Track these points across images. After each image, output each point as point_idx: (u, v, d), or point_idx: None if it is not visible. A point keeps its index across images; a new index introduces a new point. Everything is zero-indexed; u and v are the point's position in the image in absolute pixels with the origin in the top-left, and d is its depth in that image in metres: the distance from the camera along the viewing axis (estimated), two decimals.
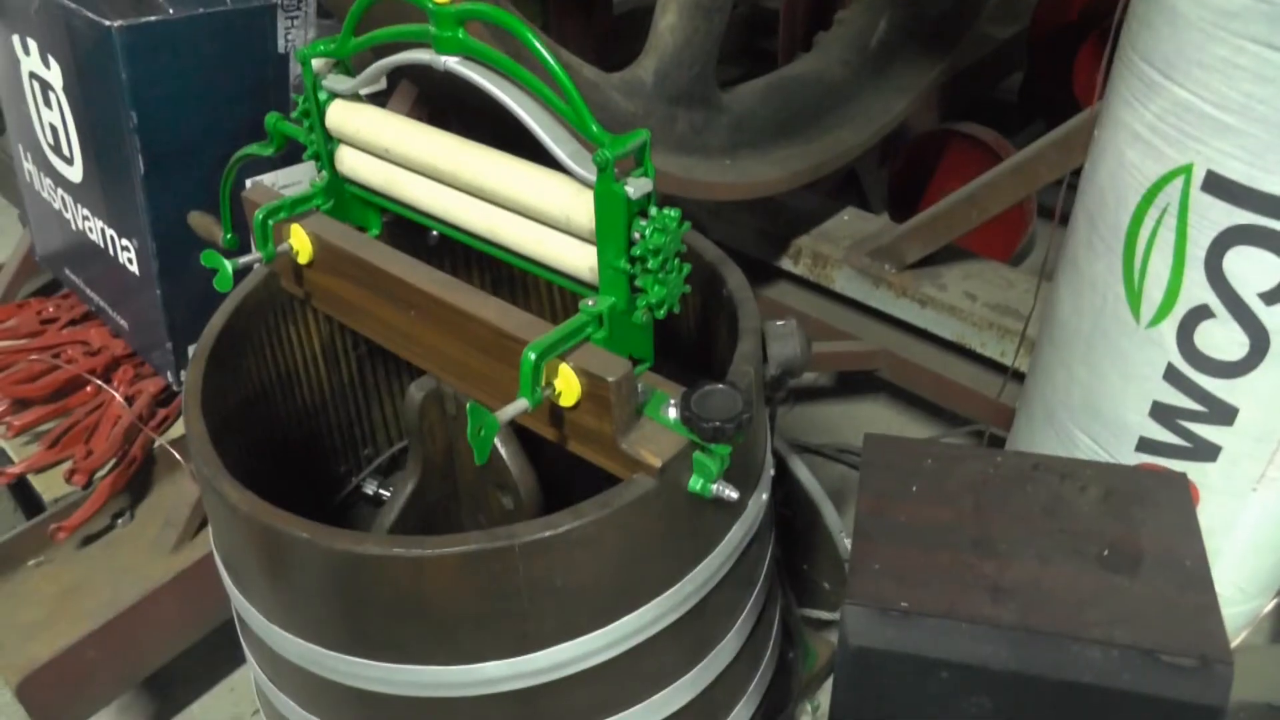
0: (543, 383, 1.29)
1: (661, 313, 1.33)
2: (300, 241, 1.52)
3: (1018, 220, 3.13)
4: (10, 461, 2.12)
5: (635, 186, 1.24)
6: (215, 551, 1.49)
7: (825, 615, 2.14)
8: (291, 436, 1.82)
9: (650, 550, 1.35)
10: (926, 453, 1.62)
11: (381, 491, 1.99)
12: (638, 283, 1.30)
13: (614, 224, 1.27)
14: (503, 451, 1.55)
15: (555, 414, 1.36)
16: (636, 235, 1.27)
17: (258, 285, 1.64)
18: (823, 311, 2.69)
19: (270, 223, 1.51)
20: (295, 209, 1.54)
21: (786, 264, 2.71)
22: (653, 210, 1.27)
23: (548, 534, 1.25)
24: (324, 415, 1.88)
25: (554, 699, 1.39)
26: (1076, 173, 2.06)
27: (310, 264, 1.55)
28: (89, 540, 2.08)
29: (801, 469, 1.96)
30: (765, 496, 1.57)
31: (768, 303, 2.73)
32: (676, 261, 1.31)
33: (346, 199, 1.60)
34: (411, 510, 1.67)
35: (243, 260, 1.48)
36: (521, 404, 1.27)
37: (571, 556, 1.28)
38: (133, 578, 2.01)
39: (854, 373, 2.74)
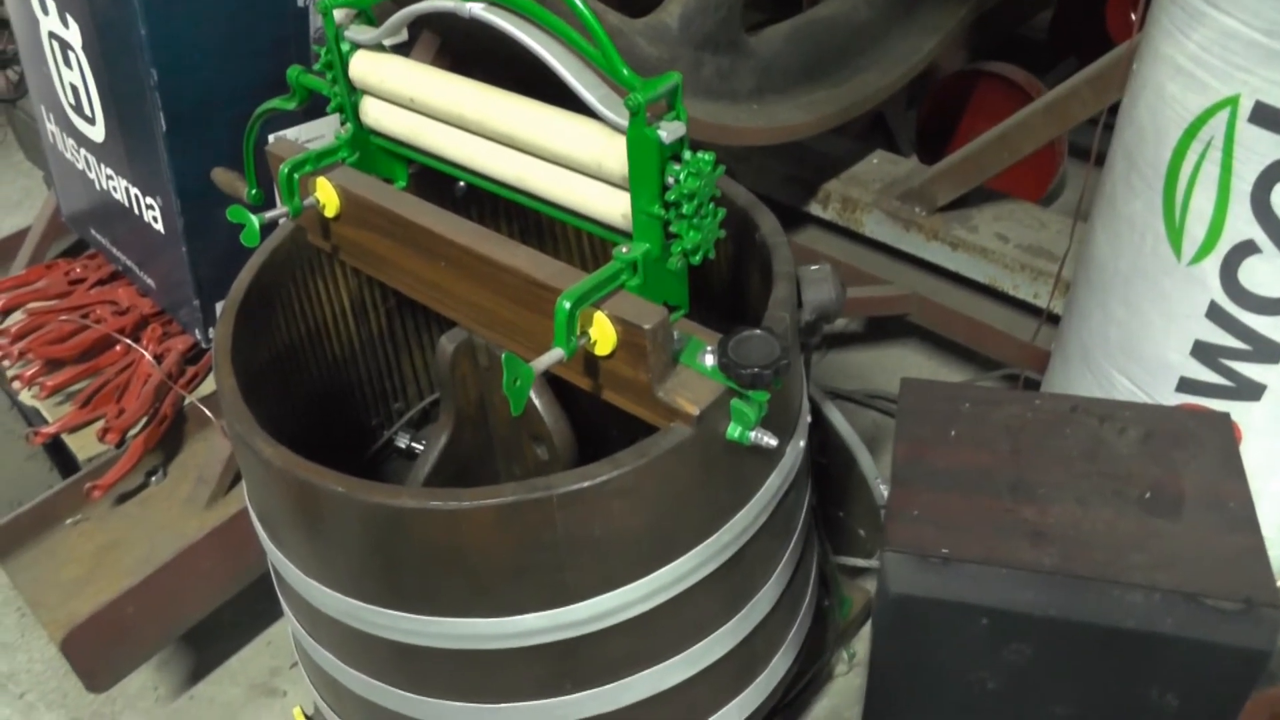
0: (577, 332, 1.28)
1: (697, 259, 1.31)
2: (327, 195, 1.50)
3: (1049, 160, 3.07)
4: (45, 422, 2.12)
5: (668, 130, 1.22)
6: (250, 507, 1.49)
7: (861, 562, 2.13)
8: (322, 391, 1.81)
9: (688, 500, 1.34)
10: (964, 396, 1.60)
11: (414, 445, 1.99)
12: (672, 228, 1.28)
13: (647, 169, 1.24)
14: (536, 402, 1.54)
15: (590, 363, 1.35)
16: (670, 180, 1.25)
17: (284, 240, 1.63)
18: (852, 256, 2.66)
19: (296, 176, 1.49)
20: (320, 162, 1.52)
21: (815, 209, 2.68)
22: (686, 154, 1.25)
23: (585, 484, 1.24)
24: (354, 369, 1.88)
25: (592, 650, 1.39)
26: (1112, 111, 2.02)
27: (337, 217, 1.53)
28: (124, 498, 2.10)
29: (836, 415, 1.95)
30: (802, 444, 1.56)
31: (797, 248, 2.69)
32: (711, 206, 1.28)
33: (372, 151, 1.58)
34: (445, 462, 1.67)
35: (269, 215, 1.46)
36: (557, 354, 1.26)
37: (609, 507, 1.27)
38: (168, 534, 2.03)
39: (884, 317, 2.71)
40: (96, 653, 1.89)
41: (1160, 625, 1.29)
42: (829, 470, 2.03)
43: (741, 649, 1.53)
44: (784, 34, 2.46)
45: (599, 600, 1.34)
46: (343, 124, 1.56)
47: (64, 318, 2.16)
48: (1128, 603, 1.31)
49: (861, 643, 2.16)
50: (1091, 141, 1.93)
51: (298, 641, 1.61)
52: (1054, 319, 2.17)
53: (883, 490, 2.00)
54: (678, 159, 1.25)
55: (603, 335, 1.29)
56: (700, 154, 1.25)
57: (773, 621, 1.58)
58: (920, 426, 1.55)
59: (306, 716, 1.80)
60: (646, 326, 1.25)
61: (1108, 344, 1.77)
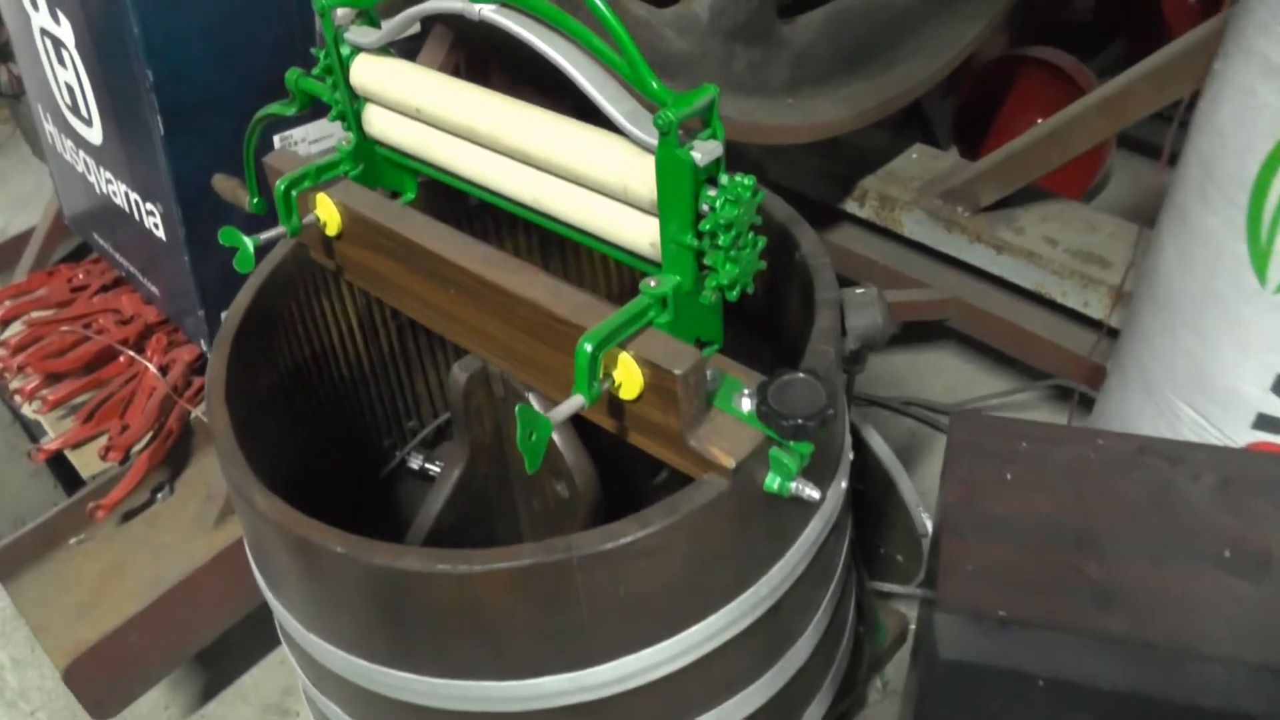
0: (600, 375, 1.13)
1: (734, 294, 1.16)
2: (327, 212, 1.36)
3: (1094, 154, 2.89)
4: (47, 437, 2.01)
5: (703, 151, 1.07)
6: (249, 553, 1.36)
7: (898, 589, 1.99)
8: (330, 414, 1.68)
9: (721, 555, 1.20)
10: (1020, 433, 1.44)
11: (428, 466, 1.85)
12: (706, 260, 1.13)
13: (679, 194, 1.10)
14: (556, 439, 1.40)
15: (615, 404, 1.20)
16: (705, 207, 1.10)
17: (285, 258, 1.49)
18: (890, 257, 2.50)
19: (294, 193, 1.35)
20: (320, 177, 1.37)
21: (851, 207, 2.51)
22: (723, 178, 1.09)
23: (609, 545, 1.10)
24: (364, 389, 1.74)
25: (617, 710, 1.25)
26: (1176, 105, 1.85)
27: (339, 236, 1.39)
28: (129, 516, 1.98)
29: (876, 439, 1.80)
30: (844, 484, 1.41)
31: (829, 248, 2.54)
32: (751, 236, 1.13)
33: (378, 162, 1.43)
34: (460, 495, 1.53)
35: (265, 236, 1.32)
36: (577, 401, 1.11)
37: (635, 567, 1.13)
38: (175, 555, 1.91)
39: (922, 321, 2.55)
40: (101, 681, 1.78)
41: (1245, 705, 1.14)
42: (866, 495, 1.88)
43: (775, 701, 1.40)
44: (819, 21, 2.28)
45: (623, 662, 1.20)
46: (345, 133, 1.41)
47: (65, 328, 2.03)
48: (1207, 678, 1.16)
49: (895, 669, 2.01)
50: (1150, 134, 1.75)
51: (305, 691, 1.49)
52: (1113, 333, 2.00)
53: (924, 518, 1.85)
54: (714, 183, 1.10)
55: (628, 378, 1.14)
56: (739, 177, 1.09)
57: (809, 671, 1.44)
58: (973, 466, 1.40)
59: None
60: (678, 372, 1.10)
61: (1173, 372, 1.61)
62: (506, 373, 1.40)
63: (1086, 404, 2.15)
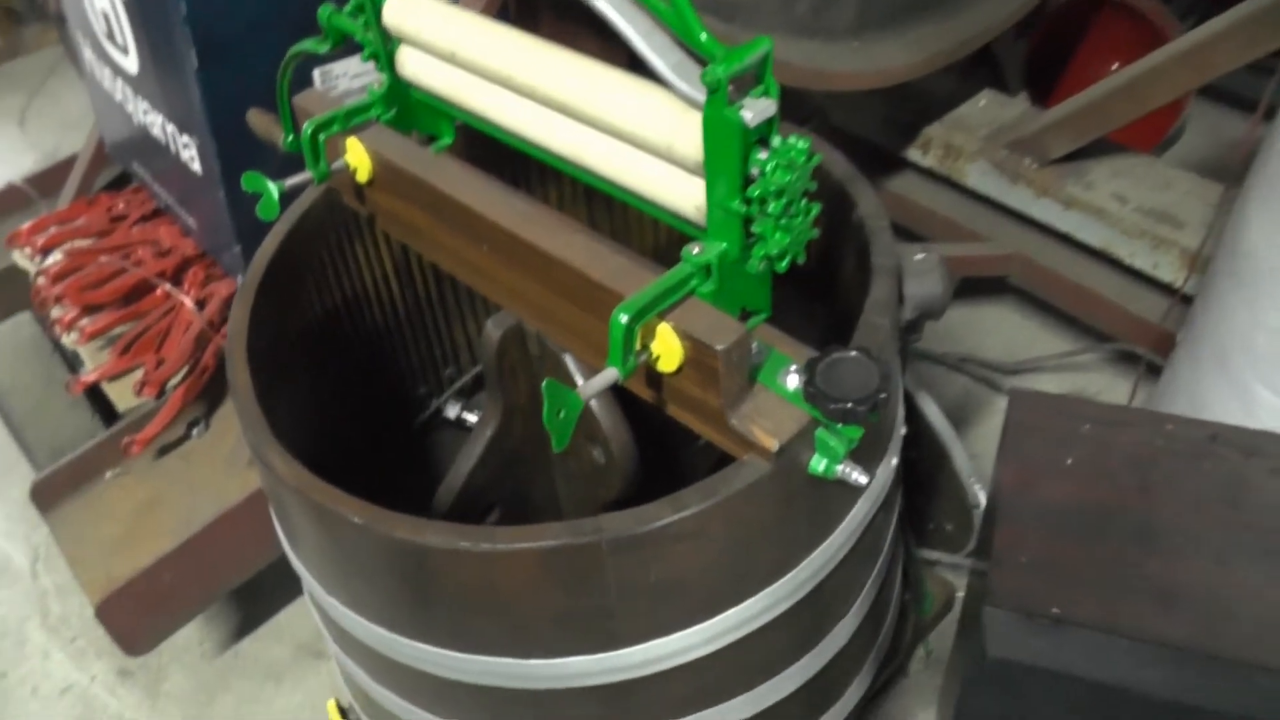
0: (637, 346, 1.05)
1: (783, 265, 1.06)
2: (358, 158, 1.27)
3: (1171, 104, 2.71)
4: (84, 368, 1.97)
5: (754, 110, 0.97)
6: (272, 512, 1.31)
7: (945, 558, 1.91)
8: (363, 361, 1.62)
9: (760, 539, 1.12)
10: (1083, 414, 1.35)
11: (465, 415, 1.79)
12: (754, 227, 1.04)
13: (726, 156, 1.00)
14: (593, 404, 1.32)
15: (652, 375, 1.12)
16: (755, 171, 1.00)
17: (316, 202, 1.42)
18: (951, 209, 2.37)
19: (322, 138, 1.26)
20: (350, 121, 1.28)
21: (914, 155, 2.38)
22: (775, 140, 0.99)
23: (641, 529, 1.03)
24: (399, 337, 1.67)
25: (646, 691, 1.19)
26: (1275, 56, 1.70)
27: (371, 182, 1.31)
28: (165, 450, 1.95)
29: (931, 407, 1.71)
30: (895, 461, 1.32)
31: (889, 197, 2.41)
32: (804, 203, 1.03)
33: (412, 105, 1.34)
34: (492, 456, 1.46)
35: (290, 182, 1.24)
36: (610, 375, 1.03)
37: (669, 551, 1.06)
38: (209, 492, 1.88)
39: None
40: (133, 618, 1.76)
41: None
42: (918, 464, 1.79)
43: (812, 683, 1.33)
44: None
45: (653, 645, 1.14)
46: (379, 74, 1.32)
47: (104, 259, 1.98)
48: (1274, 694, 1.07)
49: (939, 637, 1.94)
50: (1235, 82, 1.60)
51: (328, 642, 1.45)
52: (1185, 299, 1.88)
53: (977, 490, 1.76)
54: (765, 145, 1.00)
55: (667, 351, 1.05)
56: (794, 140, 0.99)
57: (849, 652, 1.37)
58: (1031, 448, 1.31)
59: (341, 709, 1.65)
60: (719, 347, 1.01)
61: (1253, 352, 1.49)
62: (542, 333, 1.32)
63: (1154, 371, 2.03)
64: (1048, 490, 1.26)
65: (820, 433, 1.07)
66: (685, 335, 1.04)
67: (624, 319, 1.01)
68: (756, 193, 1.00)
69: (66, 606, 2.09)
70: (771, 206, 1.00)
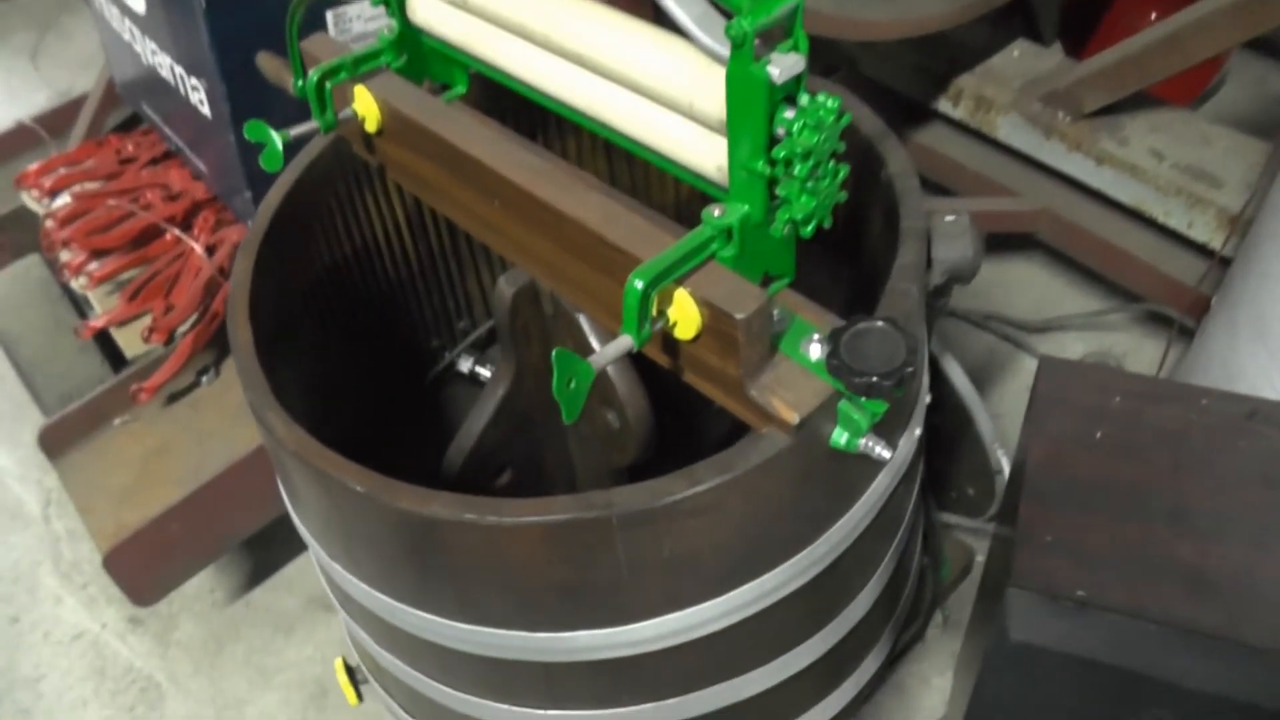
0: (653, 313, 0.99)
1: (809, 230, 1.00)
2: (366, 107, 1.21)
3: (1210, 59, 2.60)
4: (94, 312, 1.93)
5: (781, 67, 0.90)
6: (277, 473, 1.27)
7: (966, 523, 1.86)
8: (373, 314, 1.57)
9: (778, 514, 1.08)
10: (1114, 386, 1.28)
11: (479, 369, 1.74)
12: (779, 190, 0.98)
13: (751, 115, 0.93)
14: (607, 367, 1.27)
15: (669, 341, 1.07)
16: (780, 131, 0.93)
17: (324, 151, 1.36)
18: (980, 162, 2.28)
19: (328, 86, 1.20)
20: (359, 68, 1.22)
21: (944, 106, 2.29)
22: (803, 98, 0.93)
23: (653, 504, 0.98)
24: (411, 289, 1.62)
25: (657, 665, 1.16)
26: None
27: (380, 132, 1.25)
28: (174, 398, 1.91)
29: (957, 372, 1.65)
30: (919, 431, 1.27)
31: (917, 149, 2.33)
32: (831, 165, 0.97)
33: (424, 52, 1.28)
34: (504, 416, 1.42)
35: (295, 131, 1.18)
36: (624, 343, 0.98)
37: (682, 527, 1.02)
38: (218, 441, 1.85)
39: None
40: (141, 569, 1.74)
41: None
42: (941, 428, 1.74)
43: (830, 655, 1.29)
44: None
45: (664, 620, 1.10)
46: (389, 19, 1.25)
47: (112, 203, 1.93)
48: None
49: (957, 602, 1.90)
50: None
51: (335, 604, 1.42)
52: (1222, 261, 1.81)
53: (1000, 456, 1.71)
54: (792, 103, 0.93)
55: (684, 318, 1.00)
56: (822, 98, 0.93)
57: (867, 625, 1.33)
58: (1059, 421, 1.25)
59: (348, 668, 1.63)
60: (739, 316, 0.96)
61: None
62: (556, 292, 1.27)
63: (1185, 334, 1.96)
64: (1076, 466, 1.21)
65: (843, 405, 1.02)
66: (704, 302, 0.98)
67: (639, 285, 0.95)
68: (782, 154, 0.94)
69: (78, 552, 2.07)
70: (798, 169, 0.94)
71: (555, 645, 1.10)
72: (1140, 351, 2.29)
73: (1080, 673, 1.10)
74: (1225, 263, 1.80)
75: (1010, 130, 2.21)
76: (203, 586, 2.00)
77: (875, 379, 0.96)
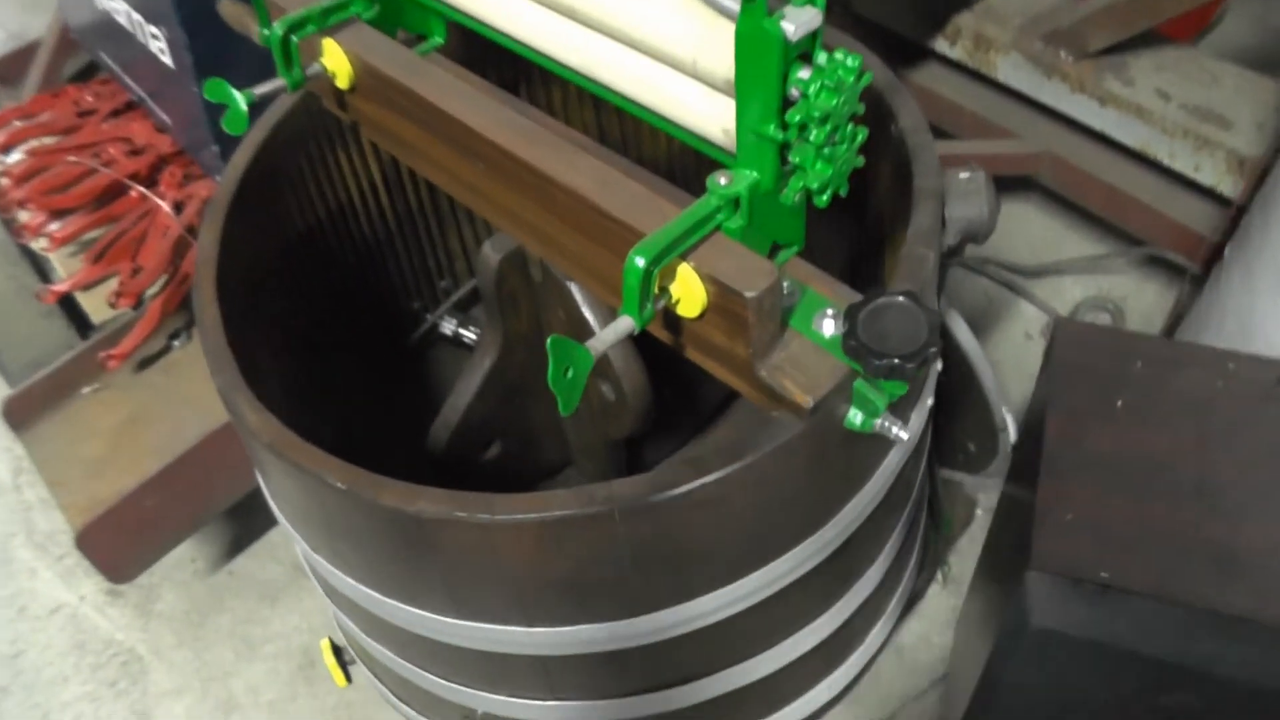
0: (654, 290, 0.91)
1: (824, 199, 0.91)
2: (336, 62, 1.11)
3: None
4: (57, 275, 1.83)
5: (796, 22, 0.81)
6: (252, 461, 1.18)
7: (967, 478, 1.80)
8: (351, 277, 1.48)
9: (788, 500, 1.01)
10: (1135, 351, 1.21)
11: (462, 331, 1.66)
12: (792, 156, 0.89)
13: (762, 75, 0.84)
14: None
15: (671, 317, 0.98)
16: (794, 92, 0.84)
17: (294, 108, 1.26)
18: (979, 103, 2.18)
19: (295, 39, 1.09)
20: (327, 20, 1.11)
21: (941, 46, 2.18)
22: (820, 56, 0.83)
23: (658, 497, 0.91)
24: (389, 249, 1.53)
25: (660, 656, 1.09)
26: None
27: (353, 89, 1.14)
28: (146, 363, 1.81)
29: (962, 328, 1.57)
30: (930, 401, 1.20)
31: (912, 90, 2.21)
32: (850, 128, 0.88)
33: (399, 1, 1.17)
34: (492, 388, 1.34)
35: (260, 90, 1.08)
36: (625, 324, 0.89)
37: (688, 519, 0.94)
38: (194, 407, 1.75)
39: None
40: (116, 545, 1.65)
41: None
42: (944, 385, 1.66)
43: (837, 634, 1.23)
44: None
45: (668, 613, 1.03)
46: None
47: (72, 159, 1.81)
48: None
49: (958, 557, 1.85)
50: None
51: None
52: (1225, 202, 1.72)
53: (1005, 414, 1.64)
54: (807, 61, 0.84)
55: (688, 295, 0.92)
56: (841, 55, 0.83)
57: (876, 599, 1.28)
58: (1078, 391, 1.18)
59: (335, 646, 1.56)
60: (749, 294, 0.88)
61: None
62: (545, 259, 1.18)
63: (1198, 283, 1.89)
64: (1096, 439, 1.14)
65: (859, 384, 0.94)
66: (710, 279, 0.90)
67: (640, 263, 0.87)
68: (797, 118, 0.85)
69: (53, 522, 1.99)
70: (814, 134, 0.85)
71: (554, 640, 1.04)
72: (1140, 295, 2.22)
73: (1102, 658, 1.04)
74: (1227, 204, 1.72)
75: (1010, 70, 2.10)
76: (184, 556, 1.93)
77: (897, 361, 0.88)
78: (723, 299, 0.90)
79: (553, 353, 0.84)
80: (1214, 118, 1.92)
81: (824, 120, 0.84)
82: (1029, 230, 2.37)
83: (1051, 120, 2.11)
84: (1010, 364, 2.19)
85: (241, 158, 1.20)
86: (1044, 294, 2.25)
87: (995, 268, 2.28)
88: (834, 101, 0.83)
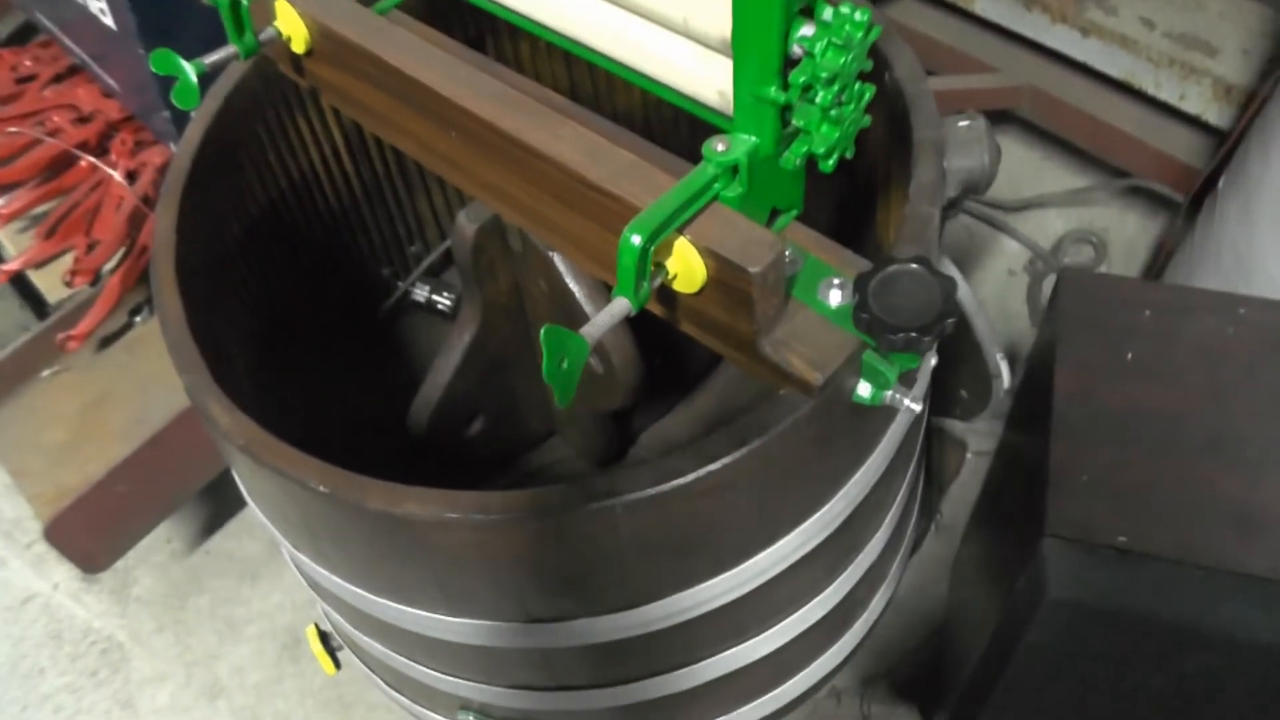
0: (650, 268, 0.84)
1: (830, 164, 0.84)
2: (291, 25, 1.01)
3: None
4: (6, 253, 1.72)
5: None
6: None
7: (957, 425, 1.76)
8: (318, 249, 1.39)
9: (794, 480, 0.95)
10: (1142, 299, 1.16)
11: (435, 298, 1.58)
12: (795, 119, 0.81)
13: (761, 32, 0.76)
14: (588, 311, 1.12)
15: (666, 291, 0.91)
16: (797, 50, 0.77)
17: (248, 75, 1.16)
18: (956, 37, 2.10)
19: (244, 2, 0.99)
20: None
21: None
22: (824, 10, 0.76)
23: (662, 489, 0.85)
24: (356, 217, 1.44)
25: (663, 641, 1.04)
26: None
27: (310, 53, 1.05)
28: (107, 341, 1.73)
29: (953, 272, 1.51)
30: (933, 361, 1.14)
31: (885, 22, 2.13)
32: (857, 87, 0.81)
33: None
34: (472, 363, 1.27)
35: (210, 59, 0.98)
36: (620, 306, 0.82)
37: (692, 508, 0.89)
38: (160, 386, 1.67)
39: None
40: (88, 535, 1.58)
41: None
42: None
43: (840, 605, 1.19)
44: None
45: (671, 601, 0.98)
46: None
47: (13, 129, 1.70)
48: None
49: (949, 505, 1.82)
50: None
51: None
52: (1212, 132, 1.67)
53: (999, 360, 1.59)
54: (810, 16, 0.76)
55: (686, 270, 0.85)
56: (848, 9, 0.76)
57: (878, 567, 1.23)
58: (1086, 345, 1.13)
59: (321, 633, 1.50)
60: (753, 270, 0.81)
61: None
62: (526, 231, 1.10)
63: (1172, 206, 1.84)
64: (1106, 394, 1.09)
65: (869, 356, 0.88)
66: (709, 253, 0.83)
67: (636, 241, 0.79)
68: (801, 79, 0.77)
69: (19, 508, 1.91)
70: (820, 96, 0.78)
71: (553, 633, 0.98)
72: (1122, 227, 2.18)
73: (1119, 624, 1.00)
74: (1216, 133, 1.67)
75: (988, 3, 2.03)
76: (159, 537, 1.86)
77: (914, 334, 0.82)
78: (723, 274, 0.83)
79: (546, 344, 0.77)
80: (1199, 45, 1.86)
81: (831, 81, 0.77)
82: (1008, 165, 2.29)
83: (1033, 53, 2.05)
84: (994, 302, 2.15)
85: (194, 132, 1.11)
86: (1026, 229, 2.20)
87: (975, 203, 2.22)
88: (841, 60, 0.76)
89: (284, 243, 1.31)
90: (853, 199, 1.34)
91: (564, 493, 0.85)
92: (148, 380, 1.69)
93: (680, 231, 0.83)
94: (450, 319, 1.57)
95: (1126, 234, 2.16)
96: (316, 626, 1.39)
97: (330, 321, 1.45)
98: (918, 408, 0.90)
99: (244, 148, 1.19)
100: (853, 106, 0.81)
